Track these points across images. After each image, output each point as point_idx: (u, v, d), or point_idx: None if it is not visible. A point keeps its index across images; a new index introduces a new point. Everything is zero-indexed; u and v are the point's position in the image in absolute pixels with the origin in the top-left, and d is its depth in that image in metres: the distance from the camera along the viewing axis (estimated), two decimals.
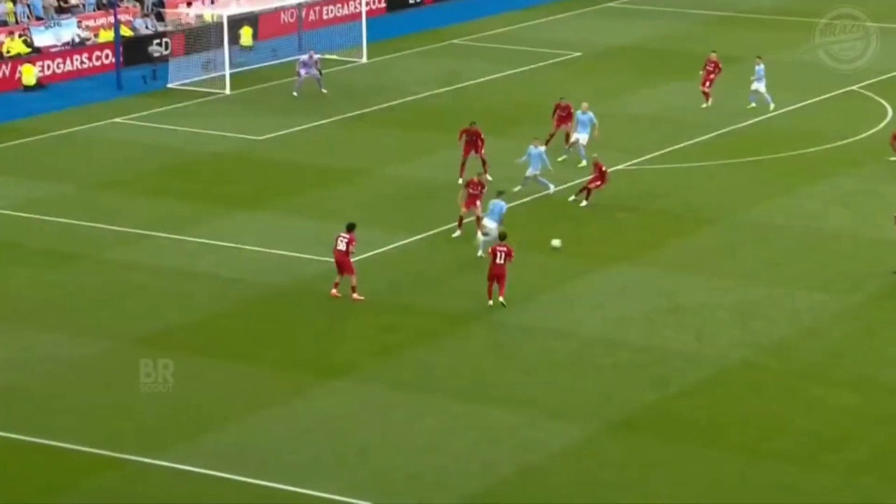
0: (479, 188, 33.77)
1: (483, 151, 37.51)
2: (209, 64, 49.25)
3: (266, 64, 50.77)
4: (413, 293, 31.24)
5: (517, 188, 36.13)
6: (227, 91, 47.50)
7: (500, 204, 33.00)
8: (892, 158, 38.68)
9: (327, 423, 25.64)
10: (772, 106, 43.59)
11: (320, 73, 46.97)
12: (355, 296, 30.52)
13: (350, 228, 30.72)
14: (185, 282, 31.89)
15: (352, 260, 30.59)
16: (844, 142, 40.39)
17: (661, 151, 40.38)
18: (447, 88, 47.60)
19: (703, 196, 36.92)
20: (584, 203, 35.79)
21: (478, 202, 33.65)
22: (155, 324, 29.66)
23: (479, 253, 32.30)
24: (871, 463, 24.28)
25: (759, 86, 43.59)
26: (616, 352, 28.27)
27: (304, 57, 47.21)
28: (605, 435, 25.13)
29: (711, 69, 43.95)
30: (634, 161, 39.39)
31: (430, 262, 33.08)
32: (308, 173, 39.45)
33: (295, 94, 46.68)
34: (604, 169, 35.89)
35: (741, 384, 27.05)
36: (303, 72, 46.75)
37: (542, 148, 36.79)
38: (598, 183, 35.77)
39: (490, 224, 32.51)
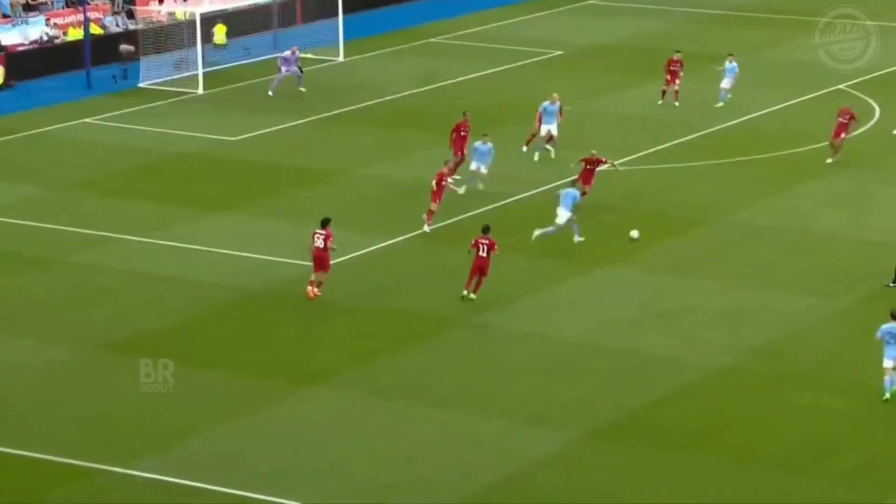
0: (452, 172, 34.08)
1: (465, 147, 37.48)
2: (181, 63, 49.00)
3: (240, 63, 50.56)
4: (392, 297, 31.07)
5: (462, 189, 35.94)
6: (200, 90, 47.27)
7: (572, 192, 33.43)
8: (829, 160, 38.57)
9: (303, 431, 25.45)
10: (720, 104, 43.55)
11: (301, 71, 46.85)
12: (317, 290, 30.45)
13: (325, 224, 30.74)
14: (156, 286, 31.64)
15: (330, 257, 30.52)
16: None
17: (647, 151, 40.34)
18: (425, 88, 47.48)
19: (691, 197, 36.87)
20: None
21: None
22: (124, 329, 29.41)
23: (542, 231, 32.57)
24: (863, 469, 24.21)
25: (726, 83, 43.65)
26: (601, 356, 28.16)
27: (287, 53, 47.07)
28: (589, 441, 25.00)
29: (676, 69, 44.02)
30: (620, 161, 39.26)
31: (410, 264, 32.93)
32: (283, 174, 39.26)
33: (270, 93, 46.47)
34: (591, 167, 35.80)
35: (729, 389, 26.97)
36: (284, 69, 46.63)
37: (490, 145, 36.58)
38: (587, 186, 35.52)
39: (564, 213, 33.06)
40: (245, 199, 37.27)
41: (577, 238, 33.42)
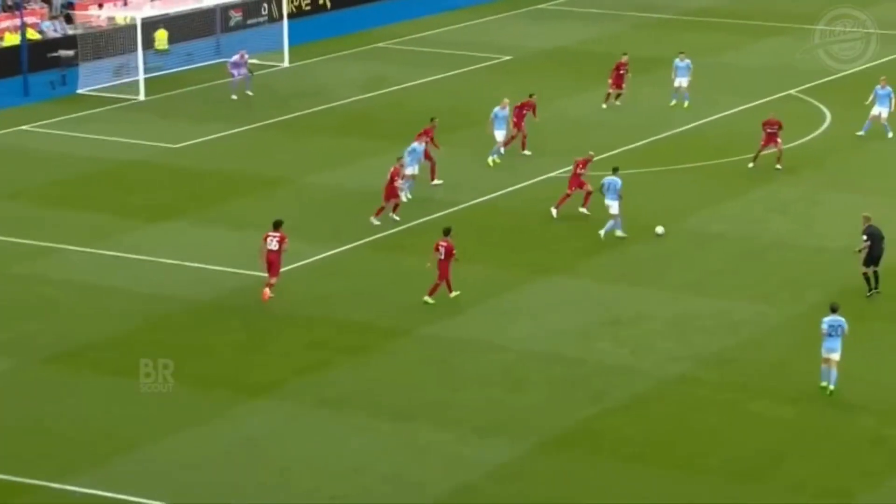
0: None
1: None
2: (122, 69, 48.87)
3: (182, 68, 50.49)
4: (340, 306, 31.17)
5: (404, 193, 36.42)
6: (141, 97, 47.17)
7: (615, 181, 34.28)
8: (751, 165, 38.99)
9: (248, 444, 25.49)
10: (686, 104, 44.12)
11: (251, 73, 46.96)
12: (268, 291, 30.80)
13: (277, 226, 31.14)
14: (97, 297, 31.58)
15: (282, 260, 30.90)
16: (783, 147, 40.78)
17: (598, 158, 40.60)
18: (373, 93, 47.61)
19: (641, 204, 37.13)
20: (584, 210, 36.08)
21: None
22: (65, 342, 29.34)
23: (605, 229, 34.13)
24: (812, 479, 24.53)
25: (682, 81, 44.15)
26: (552, 365, 28.38)
27: (236, 57, 47.20)
28: (539, 452, 25.20)
29: (623, 72, 44.53)
30: (568, 168, 39.54)
31: (358, 273, 33.04)
32: (228, 182, 39.26)
33: (234, 96, 46.57)
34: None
35: (680, 398, 27.26)
36: (235, 73, 46.72)
37: (423, 146, 36.99)
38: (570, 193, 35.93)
39: (613, 203, 34.31)
40: (188, 208, 37.24)
41: (619, 233, 34.39)
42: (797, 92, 46.72)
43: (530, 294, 31.75)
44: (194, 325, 30.28)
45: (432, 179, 37.88)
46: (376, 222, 35.05)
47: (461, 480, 24.28)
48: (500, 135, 39.67)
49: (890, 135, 41.69)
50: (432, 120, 38.75)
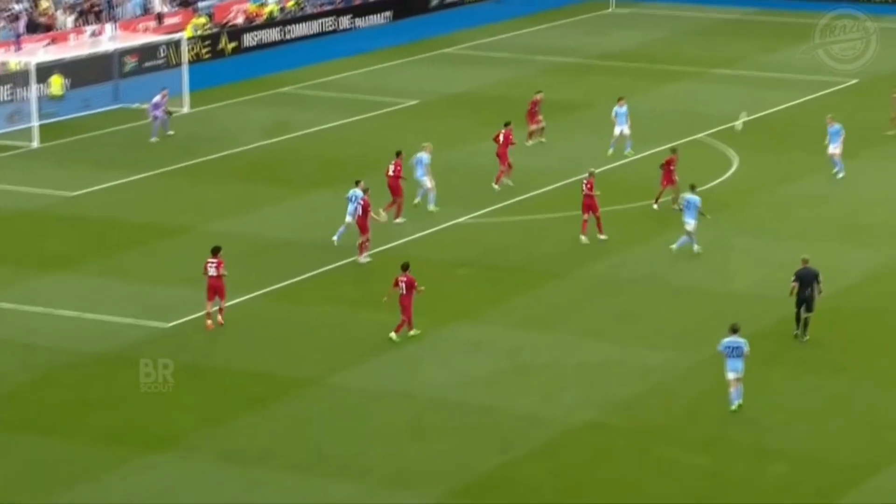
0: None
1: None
2: (15, 115, 48.45)
3: (79, 115, 50.17)
4: (245, 356, 31.05)
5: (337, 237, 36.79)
6: (36, 144, 46.78)
7: (694, 199, 35.68)
8: (655, 206, 39.81)
9: (148, 500, 25.23)
10: (628, 151, 44.65)
11: (168, 115, 46.96)
12: (220, 318, 31.89)
13: (216, 252, 31.84)
14: None
15: (224, 284, 31.88)
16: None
17: (505, 203, 40.94)
18: (277, 139, 47.64)
19: (549, 249, 37.48)
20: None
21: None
22: None
23: (678, 245, 35.92)
24: None
25: (623, 128, 44.61)
26: (459, 414, 28.46)
27: (157, 98, 47.15)
28: (448, 503, 25.19)
29: (537, 110, 45.22)
30: (476, 214, 39.86)
31: (263, 323, 32.93)
32: (127, 231, 39.01)
33: (154, 138, 46.64)
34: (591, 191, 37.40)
35: (589, 446, 27.45)
36: (157, 114, 46.67)
37: (361, 192, 37.06)
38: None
39: (691, 221, 35.64)
40: (85, 258, 36.95)
41: (696, 247, 35.90)
42: (705, 136, 47.46)
43: (438, 341, 31.86)
44: (91, 378, 29.99)
45: (397, 217, 38.40)
46: (363, 261, 35.86)
47: None
48: (428, 180, 39.68)
49: (841, 174, 42.32)
50: (398, 154, 39.15)
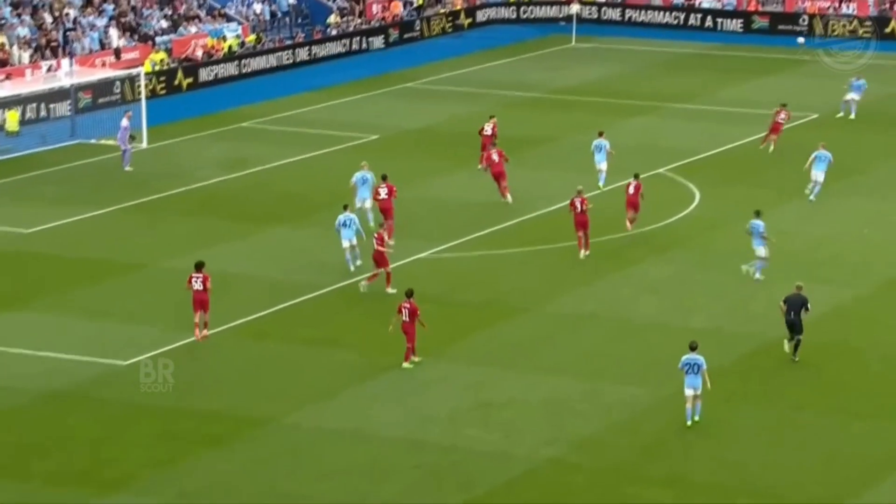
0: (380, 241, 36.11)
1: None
2: None
3: (35, 150, 49.86)
4: (199, 395, 30.75)
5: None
6: None
7: (758, 224, 36.63)
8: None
9: None
10: (601, 184, 44.82)
11: (132, 139, 47.11)
12: (206, 331, 33.02)
13: (199, 267, 33.04)
14: None
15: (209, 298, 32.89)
16: (651, 227, 41.48)
17: (466, 238, 40.84)
18: (236, 174, 47.44)
19: (510, 285, 37.40)
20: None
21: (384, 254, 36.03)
22: None
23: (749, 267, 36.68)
24: None
25: (602, 164, 44.79)
26: (419, 453, 28.25)
27: (124, 122, 47.18)
28: None
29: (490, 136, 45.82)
30: (437, 249, 39.74)
31: (217, 361, 32.65)
32: (82, 268, 38.69)
33: (128, 168, 46.74)
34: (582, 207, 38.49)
35: (551, 484, 27.29)
36: (127, 147, 46.97)
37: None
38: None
39: (760, 248, 36.46)
40: (39, 295, 36.60)
41: (757, 276, 36.48)
42: (666, 171, 47.56)
43: (396, 379, 31.64)
44: (45, 418, 29.61)
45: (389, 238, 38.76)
46: (364, 289, 36.01)
47: None
48: (368, 202, 40.38)
49: (812, 197, 43.49)
50: (384, 177, 40.00)
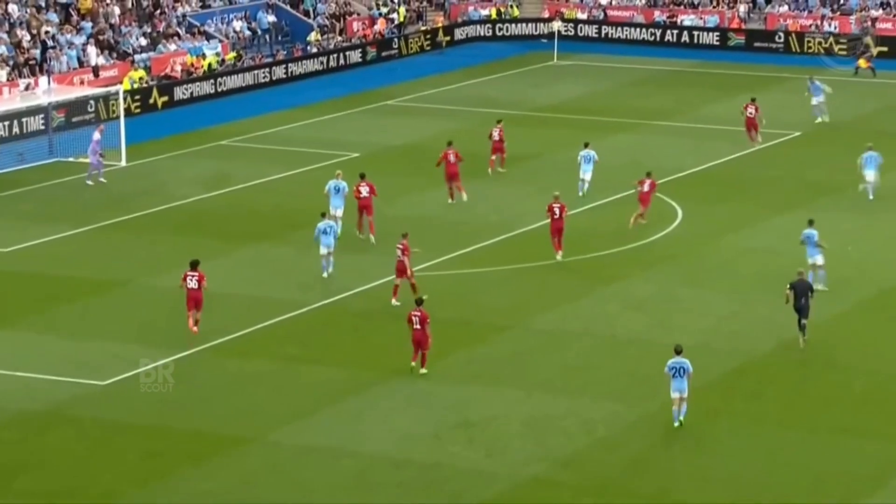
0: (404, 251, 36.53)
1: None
2: None
3: (12, 169, 49.75)
4: (182, 413, 30.69)
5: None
6: None
7: (812, 234, 37.04)
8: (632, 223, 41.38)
9: None
10: (580, 193, 45.22)
11: (101, 157, 47.09)
12: (196, 329, 33.76)
13: (195, 266, 33.81)
14: None
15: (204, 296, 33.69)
16: (635, 244, 41.60)
17: (449, 256, 40.89)
18: (217, 192, 47.41)
19: (494, 302, 37.43)
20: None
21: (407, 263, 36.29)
22: None
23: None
24: None
25: (587, 174, 45.44)
26: (402, 470, 28.24)
27: (96, 135, 47.33)
28: None
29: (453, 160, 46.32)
30: (419, 267, 39.74)
31: (200, 379, 32.60)
32: (61, 287, 38.60)
33: (103, 180, 47.02)
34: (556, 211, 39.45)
35: (536, 501, 27.28)
36: (95, 161, 47.03)
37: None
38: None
39: (816, 256, 36.80)
40: (18, 315, 36.50)
41: (821, 286, 36.28)
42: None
43: (380, 396, 31.64)
44: (25, 438, 29.51)
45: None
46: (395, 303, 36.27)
47: None
48: (340, 211, 41.21)
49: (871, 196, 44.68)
50: (362, 177, 41.10)
